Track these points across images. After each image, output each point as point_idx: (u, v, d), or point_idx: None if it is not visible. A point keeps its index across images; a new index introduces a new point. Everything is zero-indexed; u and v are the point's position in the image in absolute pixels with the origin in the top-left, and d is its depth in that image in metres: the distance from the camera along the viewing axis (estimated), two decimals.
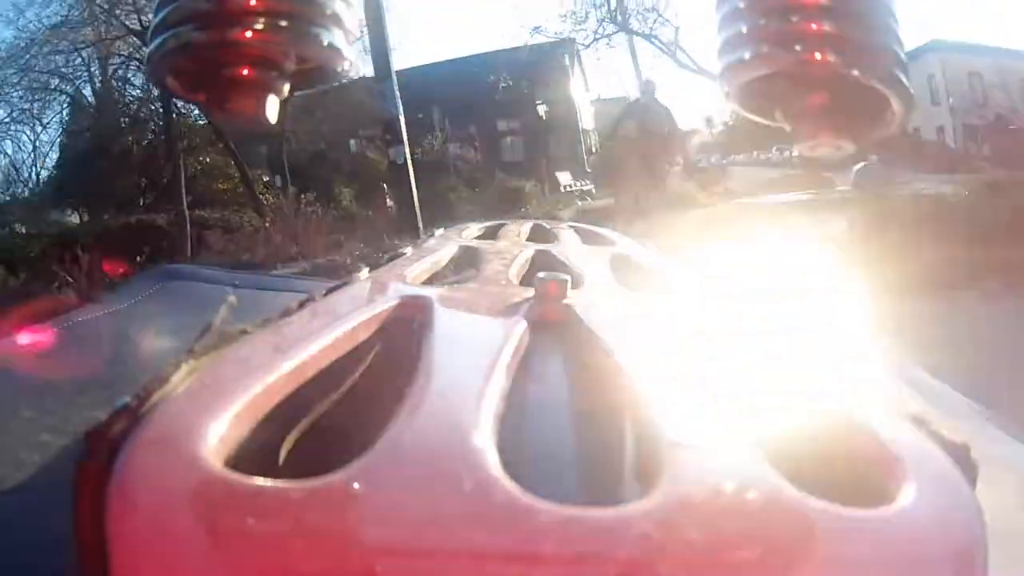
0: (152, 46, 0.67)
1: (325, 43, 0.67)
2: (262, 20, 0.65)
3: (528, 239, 1.07)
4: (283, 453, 0.41)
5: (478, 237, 1.04)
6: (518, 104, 15.22)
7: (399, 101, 7.08)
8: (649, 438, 0.34)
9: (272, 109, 0.70)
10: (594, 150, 12.59)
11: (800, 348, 0.54)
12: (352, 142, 14.63)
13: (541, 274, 0.58)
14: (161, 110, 12.12)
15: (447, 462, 0.31)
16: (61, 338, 1.16)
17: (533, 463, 0.40)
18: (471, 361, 0.43)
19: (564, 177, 14.19)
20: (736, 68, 0.69)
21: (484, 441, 0.32)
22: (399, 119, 6.97)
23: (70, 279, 6.74)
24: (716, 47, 0.72)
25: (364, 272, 0.70)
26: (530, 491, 0.30)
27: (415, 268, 0.74)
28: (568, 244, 1.04)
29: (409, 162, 6.78)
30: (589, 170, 14.78)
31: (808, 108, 0.69)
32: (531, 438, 0.43)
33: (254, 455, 0.34)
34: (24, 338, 1.13)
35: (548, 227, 1.23)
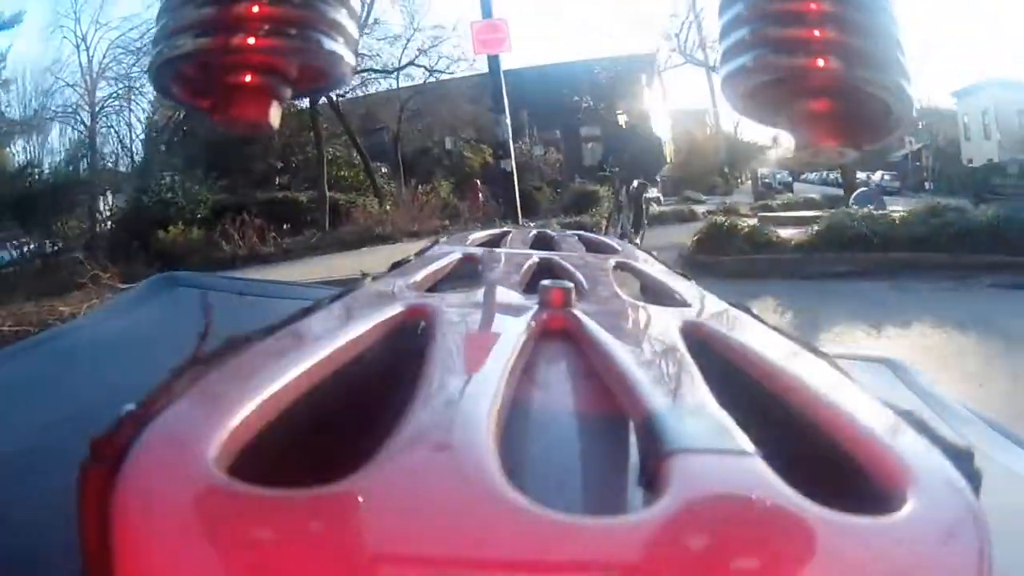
0: (154, 54, 0.67)
1: (328, 49, 0.67)
2: (265, 27, 0.65)
3: (532, 246, 1.07)
4: (288, 461, 0.41)
5: (482, 244, 1.04)
6: (600, 112, 17.00)
7: (509, 129, 9.51)
8: (654, 446, 0.34)
9: (275, 115, 0.70)
10: (669, 160, 13.39)
11: (803, 355, 0.54)
12: (448, 140, 16.85)
13: (545, 282, 0.58)
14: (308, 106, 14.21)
15: (452, 471, 0.31)
16: (65, 344, 1.16)
17: (538, 472, 0.40)
18: (475, 369, 0.43)
19: (632, 185, 14.96)
20: (739, 74, 0.69)
21: (489, 450, 0.33)
22: (509, 142, 9.30)
23: (238, 237, 10.04)
24: (719, 53, 0.73)
25: (368, 279, 0.70)
26: (535, 500, 0.30)
27: (419, 275, 0.74)
28: (572, 252, 1.04)
29: (514, 172, 8.75)
30: (658, 179, 15.43)
31: (810, 114, 0.69)
32: (536, 446, 0.43)
33: (259, 463, 0.34)
34: (31, 343, 1.13)
35: (552, 235, 1.23)
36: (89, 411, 0.42)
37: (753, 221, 9.35)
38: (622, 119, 17.11)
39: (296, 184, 14.74)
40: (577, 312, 0.55)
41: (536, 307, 0.56)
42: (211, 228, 12.31)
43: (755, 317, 0.68)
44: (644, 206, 6.95)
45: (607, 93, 17.25)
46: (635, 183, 6.82)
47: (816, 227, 8.12)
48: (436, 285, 0.79)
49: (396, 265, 0.85)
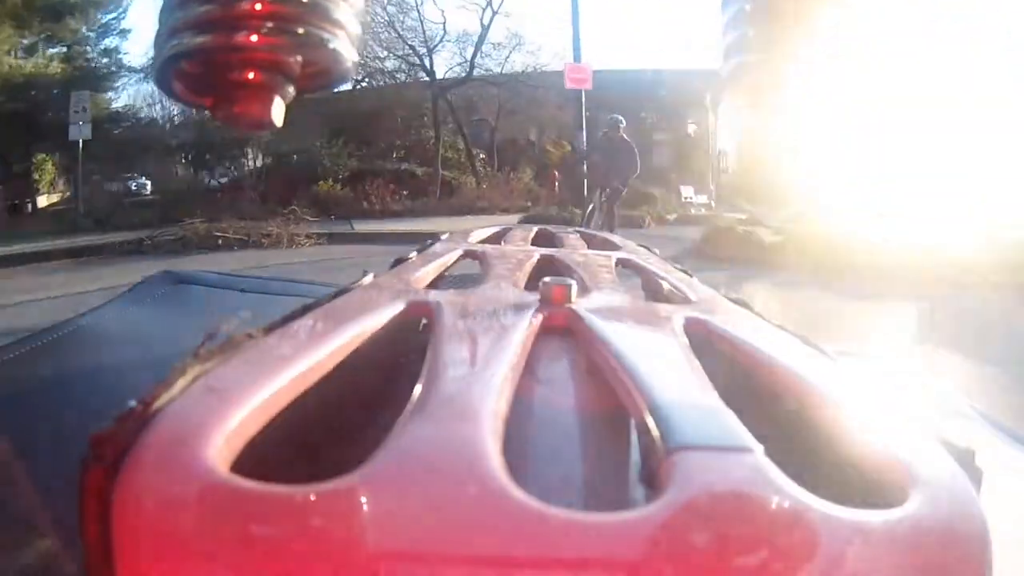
0: (157, 51, 0.67)
1: (331, 46, 0.67)
2: (267, 24, 0.65)
3: (533, 243, 1.07)
4: (289, 458, 0.41)
5: (484, 241, 1.04)
6: (672, 119, 19.47)
7: (584, 142, 11.48)
8: (655, 443, 0.34)
9: (278, 112, 0.70)
10: (729, 170, 15.20)
11: (805, 353, 0.54)
12: (534, 135, 20.39)
13: (547, 278, 0.58)
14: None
15: (453, 467, 0.31)
16: (66, 341, 1.16)
17: (540, 468, 0.40)
18: (477, 366, 0.43)
19: (686, 190, 17.60)
20: (740, 72, 0.69)
21: (490, 446, 0.32)
22: (583, 150, 10.83)
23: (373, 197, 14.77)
24: (720, 52, 0.73)
25: (369, 276, 0.70)
26: (537, 497, 0.30)
27: (421, 272, 0.74)
28: (574, 249, 1.04)
29: (585, 167, 9.55)
30: (712, 187, 18.13)
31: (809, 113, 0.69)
32: (538, 443, 0.43)
33: (260, 459, 0.34)
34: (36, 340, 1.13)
35: (554, 232, 1.23)
36: (90, 408, 0.42)
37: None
38: (692, 128, 19.55)
39: (412, 159, 18.20)
40: (578, 309, 0.55)
41: (538, 304, 0.56)
42: (352, 187, 15.95)
43: (757, 314, 0.68)
44: (615, 211, 7.70)
45: (683, 102, 19.31)
46: (608, 189, 7.55)
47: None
48: (438, 282, 0.79)
49: (398, 262, 0.85)
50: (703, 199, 17.49)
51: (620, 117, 8.43)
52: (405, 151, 18.62)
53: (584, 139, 10.88)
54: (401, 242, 7.00)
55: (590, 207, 7.74)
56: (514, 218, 11.78)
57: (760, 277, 7.16)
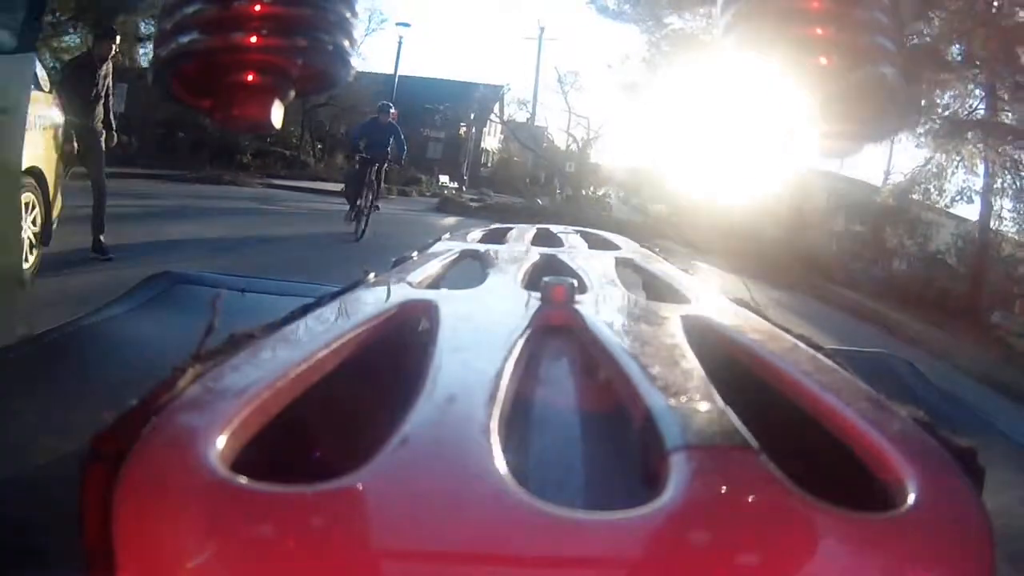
0: (157, 53, 0.67)
1: (329, 49, 0.67)
2: (266, 26, 0.65)
3: (533, 243, 1.07)
4: (289, 457, 0.41)
5: (484, 241, 1.04)
6: (447, 121, 23.75)
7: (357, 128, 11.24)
8: (656, 442, 0.34)
9: (277, 114, 0.70)
10: (489, 164, 19.35)
11: (805, 351, 0.54)
12: (344, 126, 23.05)
13: (547, 278, 0.58)
14: None
15: (454, 467, 0.31)
16: (66, 342, 1.16)
17: (541, 468, 0.40)
18: (478, 365, 0.43)
19: (443, 178, 22.91)
20: (743, 71, 0.69)
21: (491, 446, 0.32)
22: (355, 131, 10.83)
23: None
24: (721, 51, 0.72)
25: (370, 276, 0.70)
26: (537, 495, 0.30)
27: (421, 271, 0.74)
28: (574, 248, 1.04)
29: (361, 146, 9.60)
30: (465, 176, 23.71)
31: (813, 111, 0.69)
32: (539, 443, 0.43)
33: (260, 459, 0.34)
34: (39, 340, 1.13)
35: (554, 231, 1.23)
36: (90, 407, 0.43)
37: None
38: (463, 129, 24.78)
39: (279, 144, 20.93)
40: (579, 308, 0.55)
41: (539, 303, 0.56)
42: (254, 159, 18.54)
43: (757, 312, 0.68)
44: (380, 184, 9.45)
45: (460, 107, 24.35)
46: (377, 165, 9.03)
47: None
48: (438, 281, 0.79)
49: (398, 262, 0.85)
50: (455, 185, 23.22)
51: (390, 104, 9.71)
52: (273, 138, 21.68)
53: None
54: (301, 190, 14.57)
55: (366, 178, 8.82)
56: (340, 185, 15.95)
57: (459, 216, 12.97)
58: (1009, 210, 11.11)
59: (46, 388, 0.97)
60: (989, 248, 11.02)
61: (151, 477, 0.32)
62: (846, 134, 0.69)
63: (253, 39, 0.65)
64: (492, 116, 26.31)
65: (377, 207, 9.03)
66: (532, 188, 23.89)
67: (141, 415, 0.35)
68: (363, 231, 8.36)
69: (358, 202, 8.76)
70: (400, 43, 20.28)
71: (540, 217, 12.91)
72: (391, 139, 9.12)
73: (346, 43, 0.69)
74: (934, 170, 11.50)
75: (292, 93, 0.71)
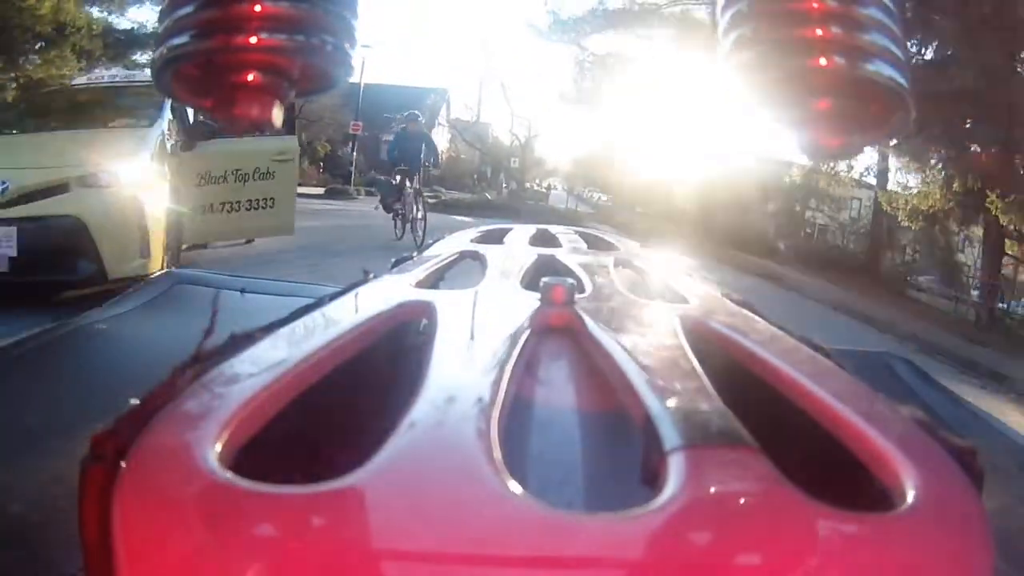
0: (157, 52, 0.67)
1: (329, 49, 0.67)
2: (267, 26, 0.65)
3: (532, 243, 1.07)
4: (289, 458, 0.41)
5: (482, 241, 1.04)
6: (383, 119, 24.08)
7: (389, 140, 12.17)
8: (656, 443, 0.34)
9: (277, 114, 0.70)
10: (440, 166, 19.61)
11: (804, 351, 0.54)
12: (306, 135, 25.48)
13: (547, 279, 0.58)
14: None
15: (453, 468, 0.31)
16: (67, 341, 1.16)
17: (541, 468, 0.40)
18: (477, 366, 0.43)
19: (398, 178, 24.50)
20: (740, 71, 0.69)
21: (491, 447, 0.32)
22: (389, 141, 10.96)
23: None
24: (720, 49, 0.72)
25: (369, 277, 0.70)
26: (537, 496, 0.30)
27: (421, 272, 0.74)
28: (572, 249, 1.04)
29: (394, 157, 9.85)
30: (419, 175, 25.47)
31: (812, 112, 0.69)
32: (538, 443, 0.43)
33: (259, 459, 0.34)
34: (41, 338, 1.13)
35: (553, 231, 1.23)
36: (90, 407, 0.43)
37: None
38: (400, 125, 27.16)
39: None
40: (579, 309, 0.55)
41: (538, 304, 0.56)
42: None
43: (756, 313, 0.68)
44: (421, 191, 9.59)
45: (413, 110, 26.45)
46: (416, 175, 9.19)
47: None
48: (437, 282, 0.79)
49: (398, 262, 0.85)
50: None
51: (416, 112, 9.91)
52: None
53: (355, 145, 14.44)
54: None
55: (408, 192, 8.84)
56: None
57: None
58: (911, 185, 13.98)
59: (46, 387, 0.97)
60: (882, 215, 13.73)
61: (150, 477, 0.32)
62: (844, 136, 0.69)
63: (253, 39, 0.65)
64: (439, 120, 28.58)
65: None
66: (480, 183, 26.68)
67: (141, 415, 0.35)
68: (422, 239, 8.07)
69: (398, 208, 8.91)
70: (363, 63, 21.01)
71: (489, 210, 16.05)
72: (423, 146, 9.16)
73: (346, 43, 0.69)
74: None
75: (292, 93, 0.71)
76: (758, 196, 16.98)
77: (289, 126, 6.21)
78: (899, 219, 13.41)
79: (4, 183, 4.12)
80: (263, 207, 5.83)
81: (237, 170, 5.59)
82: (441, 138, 28.15)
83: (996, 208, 10.50)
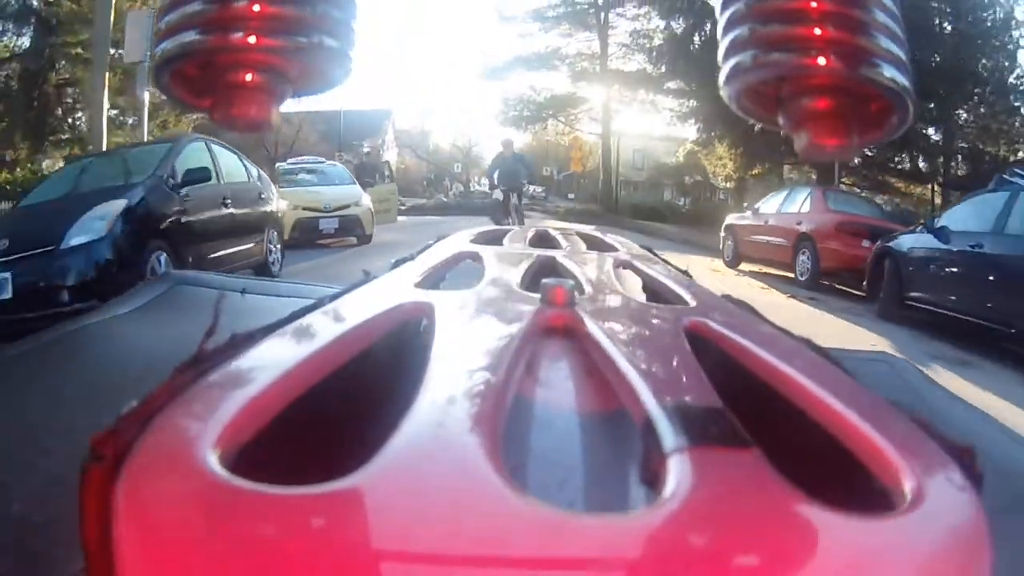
0: (156, 51, 0.67)
1: (327, 49, 0.67)
2: (265, 26, 0.65)
3: (531, 244, 1.07)
4: (289, 458, 0.42)
5: (481, 242, 1.04)
6: (351, 146, 26.69)
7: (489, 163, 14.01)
8: (656, 444, 0.34)
9: (275, 114, 0.70)
10: (392, 178, 21.05)
11: (804, 353, 0.54)
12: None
13: (547, 280, 0.58)
14: None
15: (453, 469, 0.31)
16: (67, 343, 1.16)
17: (541, 469, 0.40)
18: (477, 366, 0.43)
19: None
20: (739, 71, 0.69)
21: (491, 448, 0.33)
22: (489, 166, 12.67)
23: None
24: (719, 51, 0.72)
25: (369, 277, 0.70)
26: (538, 497, 0.30)
27: (421, 272, 0.74)
28: (573, 250, 1.04)
29: (495, 178, 11.79)
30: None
31: (810, 112, 0.69)
32: (539, 444, 0.43)
33: (260, 460, 0.34)
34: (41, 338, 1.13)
35: (553, 233, 1.23)
36: (90, 408, 0.43)
37: None
38: (363, 149, 28.78)
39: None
40: (579, 310, 0.55)
41: (538, 305, 0.56)
42: None
43: (756, 315, 0.68)
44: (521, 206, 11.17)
45: (364, 133, 29.56)
46: (516, 192, 10.70)
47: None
48: (437, 283, 0.79)
49: (399, 262, 0.85)
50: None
51: (510, 139, 11.62)
52: None
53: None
54: None
55: (510, 206, 10.29)
56: None
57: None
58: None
59: (47, 388, 0.97)
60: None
61: (151, 478, 0.32)
62: (843, 136, 0.69)
63: (252, 39, 0.65)
64: (386, 137, 32.62)
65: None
66: (429, 188, 30.45)
67: (141, 416, 0.35)
68: None
69: (507, 221, 9.89)
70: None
71: (450, 209, 19.60)
72: (520, 166, 10.65)
73: (344, 43, 0.69)
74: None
75: (290, 93, 0.72)
76: (656, 173, 23.91)
77: (389, 177, 14.72)
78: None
79: (327, 204, 10.28)
80: (386, 211, 12.66)
81: (378, 199, 12.10)
82: (391, 153, 32.44)
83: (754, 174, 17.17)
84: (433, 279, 0.77)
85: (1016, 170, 5.94)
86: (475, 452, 0.32)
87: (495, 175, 10.42)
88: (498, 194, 10.27)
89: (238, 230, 6.41)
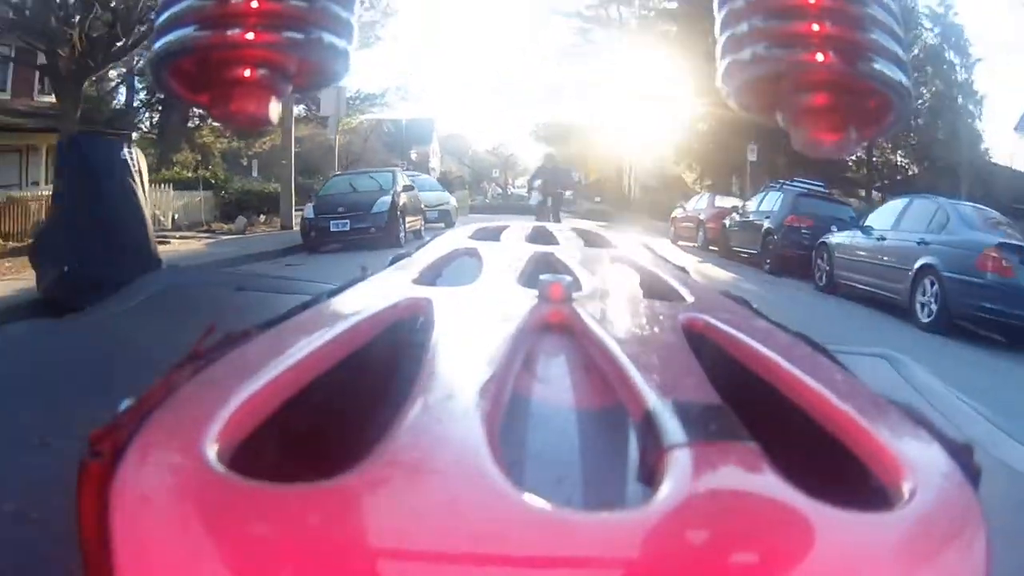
0: (154, 47, 0.67)
1: (326, 44, 0.67)
2: (263, 22, 0.65)
3: (529, 240, 1.07)
4: (287, 454, 0.41)
5: (480, 238, 1.03)
6: (402, 150, 31.20)
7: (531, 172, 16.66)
8: (653, 440, 0.34)
9: (274, 110, 0.70)
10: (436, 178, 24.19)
11: (802, 349, 0.54)
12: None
13: (544, 276, 0.57)
14: None
15: (450, 466, 0.31)
16: (63, 340, 1.16)
17: (538, 466, 0.40)
18: (475, 362, 0.43)
19: None
20: (737, 68, 0.69)
21: (487, 445, 0.32)
22: (531, 174, 14.21)
23: None
24: (717, 47, 0.72)
25: (367, 274, 0.70)
26: (534, 494, 0.30)
27: (419, 269, 0.74)
28: (569, 246, 1.04)
29: (537, 183, 13.50)
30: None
31: (809, 108, 0.68)
32: (535, 441, 0.43)
33: (257, 457, 0.34)
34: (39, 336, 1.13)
35: (551, 229, 1.22)
36: (87, 405, 0.42)
37: None
38: (413, 155, 33.53)
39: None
40: (576, 306, 0.55)
41: (535, 301, 0.56)
42: None
43: (753, 310, 0.68)
44: (559, 210, 12.97)
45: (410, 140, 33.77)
46: (551, 196, 12.56)
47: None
48: (435, 279, 0.78)
49: (396, 259, 0.85)
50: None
51: (553, 152, 14.35)
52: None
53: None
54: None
55: (546, 208, 12.11)
56: None
57: None
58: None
59: (43, 385, 0.97)
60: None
61: (148, 474, 0.32)
62: (841, 132, 0.69)
63: (250, 35, 0.65)
64: (432, 145, 37.00)
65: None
66: (470, 191, 31.96)
67: (138, 413, 0.35)
68: None
69: (546, 219, 12.39)
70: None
71: (490, 209, 22.33)
72: (559, 176, 12.71)
73: (343, 39, 0.69)
74: None
75: (289, 89, 0.71)
76: (661, 180, 26.96)
77: (447, 186, 17.82)
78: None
79: (430, 202, 13.85)
80: (463, 207, 16.11)
81: (459, 199, 16.34)
82: (436, 160, 37.23)
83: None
84: (431, 275, 0.77)
85: (786, 181, 10.78)
86: (472, 449, 0.32)
87: (537, 182, 12.49)
88: (536, 197, 12.36)
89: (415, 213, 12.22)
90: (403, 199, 11.54)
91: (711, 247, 12.61)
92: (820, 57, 0.65)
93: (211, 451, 0.32)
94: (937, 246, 6.84)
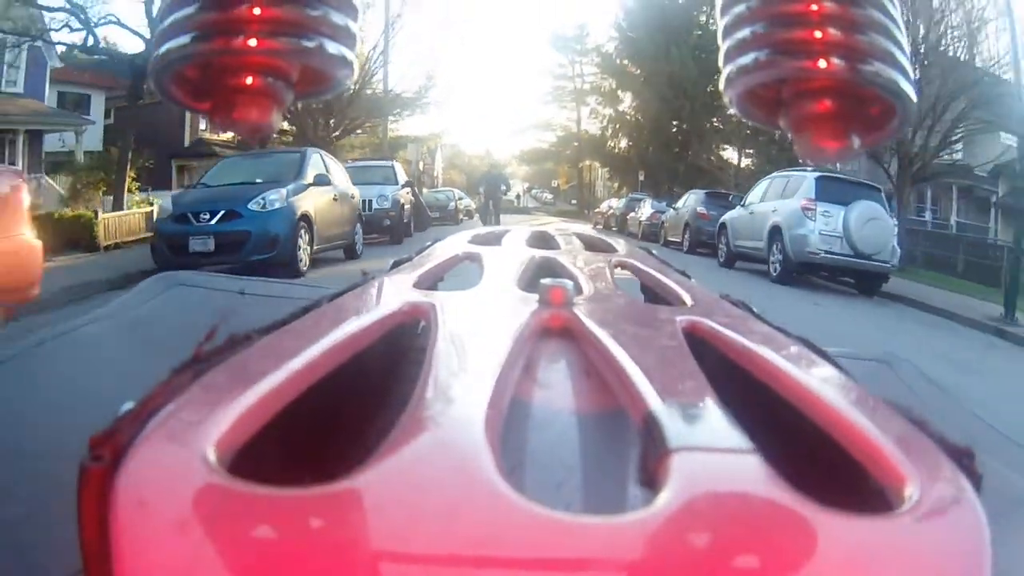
0: (155, 54, 0.67)
1: (329, 52, 0.67)
2: (265, 29, 0.65)
3: (529, 245, 1.07)
4: (288, 458, 0.41)
5: (480, 243, 1.04)
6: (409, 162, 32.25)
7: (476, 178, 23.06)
8: (654, 444, 0.34)
9: (276, 118, 0.70)
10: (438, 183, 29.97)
11: (803, 353, 0.54)
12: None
13: (545, 280, 0.58)
14: None
15: (451, 471, 0.31)
16: (66, 344, 1.16)
17: (539, 470, 0.40)
18: (475, 367, 0.43)
19: None
20: (740, 74, 0.69)
21: (488, 449, 0.33)
22: (476, 180, 19.13)
23: None
24: (720, 53, 0.72)
25: (369, 278, 0.70)
26: (535, 498, 0.30)
27: (420, 273, 0.74)
28: (570, 250, 1.04)
29: (481, 190, 18.09)
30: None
31: (811, 115, 0.68)
32: (536, 445, 0.43)
33: (259, 461, 0.34)
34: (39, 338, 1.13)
35: (551, 233, 1.23)
36: (89, 409, 0.43)
37: None
38: (421, 164, 36.11)
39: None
40: (577, 311, 0.55)
41: (536, 306, 0.56)
42: None
43: (754, 314, 0.68)
44: (499, 210, 16.68)
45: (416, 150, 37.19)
46: (493, 199, 16.20)
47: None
48: (436, 283, 0.79)
49: (397, 263, 0.85)
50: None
51: (498, 161, 20.84)
52: None
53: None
54: None
55: (487, 208, 15.27)
56: None
57: None
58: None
59: (45, 388, 0.97)
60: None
61: (149, 479, 0.32)
62: (843, 139, 0.69)
63: (252, 42, 0.65)
64: (436, 155, 41.87)
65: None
66: (471, 193, 37.73)
67: (139, 417, 0.35)
68: None
69: (488, 219, 15.26)
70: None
71: (477, 211, 22.70)
72: (499, 181, 16.05)
73: (346, 45, 0.69)
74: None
75: (291, 96, 0.71)
76: (610, 189, 36.20)
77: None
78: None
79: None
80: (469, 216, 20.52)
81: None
82: (439, 167, 42.89)
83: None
84: (431, 280, 0.77)
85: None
86: (473, 453, 0.32)
87: (481, 188, 14.69)
88: (479, 200, 15.38)
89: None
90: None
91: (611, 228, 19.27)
92: (823, 64, 0.65)
93: (212, 455, 0.32)
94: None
